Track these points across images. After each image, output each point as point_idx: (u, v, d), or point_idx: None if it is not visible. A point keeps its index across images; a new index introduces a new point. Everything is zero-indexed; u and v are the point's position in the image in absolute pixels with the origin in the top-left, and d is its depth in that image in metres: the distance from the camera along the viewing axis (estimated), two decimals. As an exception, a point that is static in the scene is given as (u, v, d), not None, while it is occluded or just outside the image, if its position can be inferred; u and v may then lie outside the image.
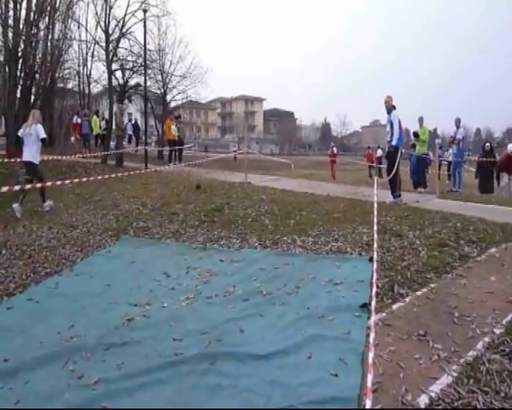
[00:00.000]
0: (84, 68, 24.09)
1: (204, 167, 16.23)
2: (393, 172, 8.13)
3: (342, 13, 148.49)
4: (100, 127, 17.72)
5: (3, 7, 13.58)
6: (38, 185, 7.42)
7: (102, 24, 17.74)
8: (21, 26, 13.73)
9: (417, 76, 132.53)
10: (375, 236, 4.36)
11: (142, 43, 17.08)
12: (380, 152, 23.94)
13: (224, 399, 2.61)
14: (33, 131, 7.92)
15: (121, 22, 18.16)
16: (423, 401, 2.50)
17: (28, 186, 6.56)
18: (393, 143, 8.36)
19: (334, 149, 21.87)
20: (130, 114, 26.75)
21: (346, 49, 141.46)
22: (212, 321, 3.61)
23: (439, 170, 12.14)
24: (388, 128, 8.50)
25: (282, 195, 8.71)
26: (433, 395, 2.54)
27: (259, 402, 2.55)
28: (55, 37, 17.84)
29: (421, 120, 11.66)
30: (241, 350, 3.13)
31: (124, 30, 18.47)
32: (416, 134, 11.51)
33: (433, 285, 4.16)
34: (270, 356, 3.03)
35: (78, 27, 21.63)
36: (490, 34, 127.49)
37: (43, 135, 7.96)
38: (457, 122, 11.82)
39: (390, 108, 8.48)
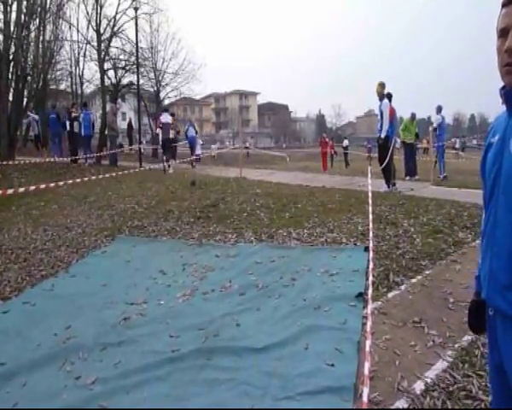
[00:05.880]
0: (76, 69, 23.90)
1: (199, 164, 16.22)
2: (386, 161, 8.08)
3: (334, 2, 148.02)
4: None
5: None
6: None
7: (94, 23, 17.68)
8: (12, 29, 13.61)
9: (412, 63, 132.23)
10: (371, 225, 4.37)
11: (134, 41, 16.97)
12: (346, 142, 26.88)
13: (222, 392, 2.62)
14: None
15: (112, 21, 18.08)
16: (419, 387, 2.52)
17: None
18: (382, 135, 8.18)
19: (327, 140, 21.98)
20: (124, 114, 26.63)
21: (338, 39, 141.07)
22: (208, 316, 3.61)
23: (436, 157, 12.15)
24: (379, 117, 8.32)
25: (277, 188, 8.71)
26: (428, 380, 2.56)
27: (257, 394, 2.56)
28: (47, 38, 17.66)
29: (413, 115, 11.94)
30: (238, 344, 3.14)
31: (115, 29, 18.37)
32: (417, 135, 11.71)
33: (427, 272, 4.18)
34: (267, 348, 3.04)
35: (70, 28, 21.43)
36: (483, 19, 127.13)
37: None
38: (437, 109, 11.90)
39: (381, 96, 8.23)
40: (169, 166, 12.82)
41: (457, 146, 29.64)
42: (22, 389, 2.82)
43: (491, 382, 1.45)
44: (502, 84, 1.32)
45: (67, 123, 14.44)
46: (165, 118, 13.74)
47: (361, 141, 45.86)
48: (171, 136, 14.42)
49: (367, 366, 1.99)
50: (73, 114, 14.25)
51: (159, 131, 13.80)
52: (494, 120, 1.45)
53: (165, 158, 13.29)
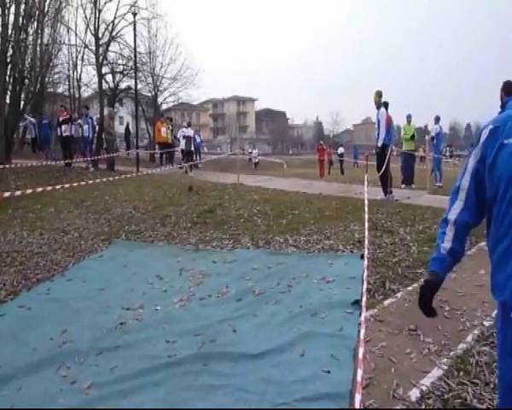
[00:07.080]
0: (74, 72, 23.85)
1: (197, 169, 16.26)
2: (383, 169, 8.13)
3: (332, 9, 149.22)
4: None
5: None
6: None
7: (92, 28, 17.67)
8: (10, 32, 13.61)
9: (409, 72, 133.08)
10: (367, 233, 4.40)
11: (133, 46, 17.02)
12: (341, 149, 28.07)
13: (218, 398, 2.62)
14: None
15: (111, 26, 18.15)
16: (414, 394, 2.54)
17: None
18: (379, 144, 8.23)
19: (324, 147, 22.13)
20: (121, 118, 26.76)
21: (336, 47, 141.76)
22: (205, 322, 3.61)
23: (433, 166, 12.26)
24: (376, 126, 8.37)
25: (274, 194, 8.73)
26: (423, 388, 2.58)
27: (253, 400, 2.56)
28: (45, 41, 17.66)
29: (409, 117, 11.95)
30: (234, 350, 3.14)
31: (113, 33, 18.45)
32: (413, 136, 11.86)
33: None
34: (263, 355, 3.05)
35: (68, 31, 21.46)
36: (482, 31, 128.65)
37: None
38: (435, 120, 12.09)
39: (378, 104, 8.29)
40: (190, 170, 14.75)
41: (447, 154, 30.67)
42: (18, 393, 2.80)
43: (502, 386, 1.51)
44: (498, 93, 1.36)
45: (57, 128, 14.32)
46: (189, 132, 16.03)
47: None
48: (192, 148, 16.68)
49: (360, 373, 2.00)
50: (61, 118, 14.10)
51: (182, 140, 15.77)
52: (494, 121, 1.50)
53: (185, 163, 15.32)
